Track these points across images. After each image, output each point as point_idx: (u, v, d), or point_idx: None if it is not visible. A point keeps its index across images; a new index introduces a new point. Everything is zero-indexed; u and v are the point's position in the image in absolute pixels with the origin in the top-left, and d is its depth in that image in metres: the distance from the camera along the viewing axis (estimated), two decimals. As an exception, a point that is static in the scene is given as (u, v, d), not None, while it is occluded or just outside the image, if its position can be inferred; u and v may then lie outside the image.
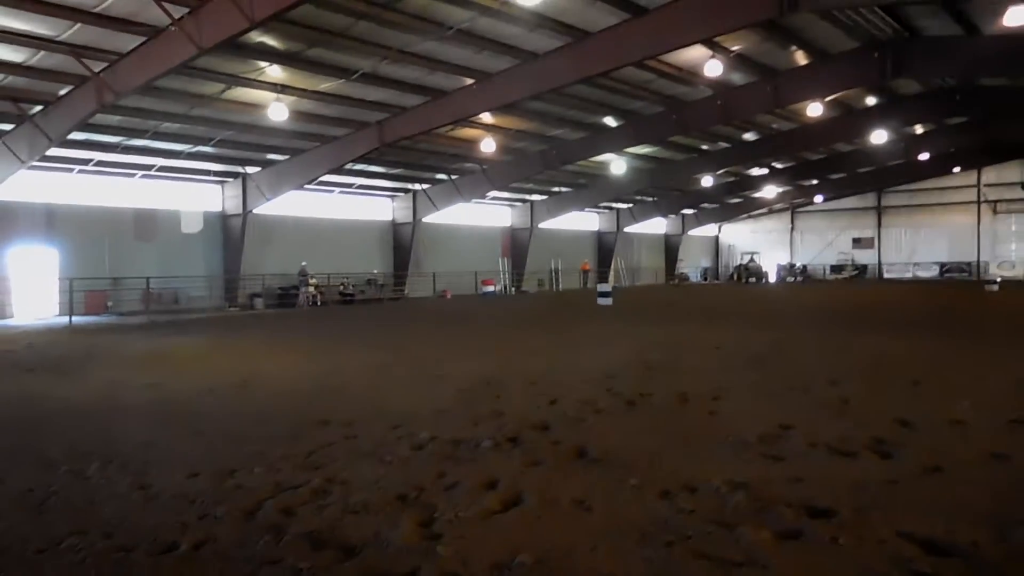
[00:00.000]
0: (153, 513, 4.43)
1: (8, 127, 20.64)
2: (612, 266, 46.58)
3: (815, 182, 46.26)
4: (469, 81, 21.22)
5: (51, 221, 24.16)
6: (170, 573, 3.56)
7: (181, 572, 3.57)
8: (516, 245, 40.88)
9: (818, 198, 49.97)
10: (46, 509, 4.57)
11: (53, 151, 21.26)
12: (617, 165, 32.84)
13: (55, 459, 5.70)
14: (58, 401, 8.38)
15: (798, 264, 52.94)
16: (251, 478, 5.08)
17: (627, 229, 47.64)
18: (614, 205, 45.64)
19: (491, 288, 37.61)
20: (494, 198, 38.56)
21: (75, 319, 21.38)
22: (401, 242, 35.14)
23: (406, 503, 4.48)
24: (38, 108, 19.74)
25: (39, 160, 21.53)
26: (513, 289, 39.55)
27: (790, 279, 50.45)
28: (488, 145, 26.39)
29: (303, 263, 29.05)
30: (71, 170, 24.84)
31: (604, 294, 25.04)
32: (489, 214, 40.13)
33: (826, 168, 41.52)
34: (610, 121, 27.34)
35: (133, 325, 20.51)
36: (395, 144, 24.95)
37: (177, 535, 4.01)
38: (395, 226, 35.37)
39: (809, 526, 3.96)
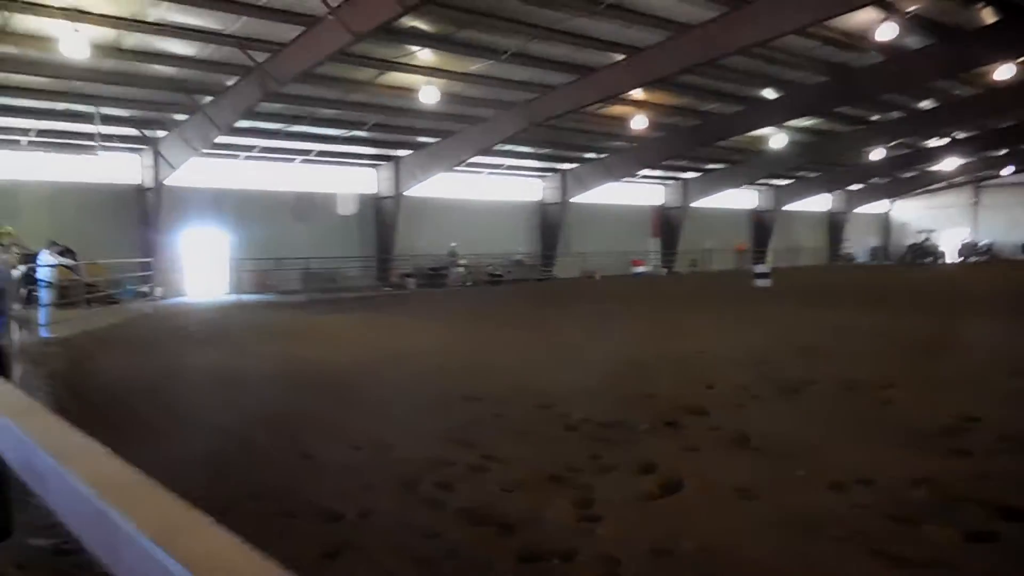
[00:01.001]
0: (318, 482, 4.63)
1: (182, 117, 22.34)
2: (769, 246, 44.59)
3: (1003, 152, 42.07)
4: (619, 57, 20.79)
5: (220, 205, 25.82)
6: (337, 541, 3.68)
7: (349, 541, 3.69)
8: (668, 224, 39.96)
9: (1007, 170, 45.33)
10: (223, 473, 4.88)
11: (221, 139, 22.78)
12: (776, 139, 31.28)
13: (228, 426, 6.10)
14: (228, 371, 9.00)
15: (982, 242, 48.37)
16: (408, 452, 5.21)
17: (786, 207, 45.35)
18: (772, 182, 43.55)
19: (641, 268, 37.03)
20: (644, 176, 37.80)
21: (241, 296, 22.94)
22: (549, 222, 35.11)
23: (561, 483, 4.43)
24: (208, 99, 21.19)
25: (209, 148, 23.18)
26: (665, 270, 38.74)
27: (973, 259, 46.26)
28: (638, 122, 25.83)
29: (452, 244, 29.73)
30: (237, 156, 26.56)
31: (762, 275, 24.00)
32: (638, 193, 39.40)
33: (1016, 137, 37.56)
34: (768, 93, 26.02)
35: (293, 303, 21.76)
36: (543, 124, 24.91)
37: (342, 505, 4.16)
38: (543, 206, 35.42)
39: (1004, 529, 3.57)
